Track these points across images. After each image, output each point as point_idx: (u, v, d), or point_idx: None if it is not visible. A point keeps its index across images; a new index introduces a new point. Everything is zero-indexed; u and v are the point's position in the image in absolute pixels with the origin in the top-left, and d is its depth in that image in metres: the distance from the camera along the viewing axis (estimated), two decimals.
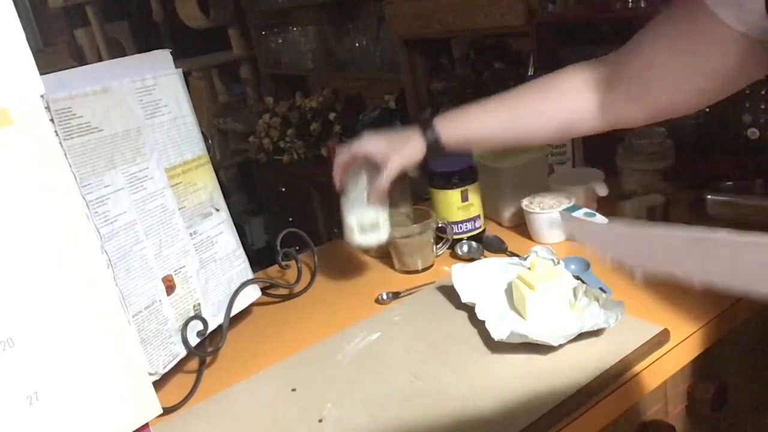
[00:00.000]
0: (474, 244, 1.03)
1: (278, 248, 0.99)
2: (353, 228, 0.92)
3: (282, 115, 2.98)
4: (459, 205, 1.03)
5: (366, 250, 1.08)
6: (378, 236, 0.93)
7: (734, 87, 0.71)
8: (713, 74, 0.68)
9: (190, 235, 0.86)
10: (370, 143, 0.89)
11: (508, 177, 1.08)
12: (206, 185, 0.90)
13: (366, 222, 0.92)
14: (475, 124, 0.86)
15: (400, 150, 0.86)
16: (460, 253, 1.02)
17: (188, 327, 0.81)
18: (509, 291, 0.84)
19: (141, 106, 0.81)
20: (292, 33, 2.94)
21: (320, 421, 0.69)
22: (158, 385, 0.77)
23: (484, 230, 1.08)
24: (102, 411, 0.54)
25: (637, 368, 0.71)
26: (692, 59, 0.69)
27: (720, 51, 0.66)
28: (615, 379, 0.69)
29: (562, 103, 0.81)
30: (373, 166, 0.88)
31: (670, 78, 0.72)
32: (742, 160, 1.06)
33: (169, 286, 0.81)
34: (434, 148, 0.86)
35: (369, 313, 0.90)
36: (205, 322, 0.83)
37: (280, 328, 0.92)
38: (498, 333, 0.75)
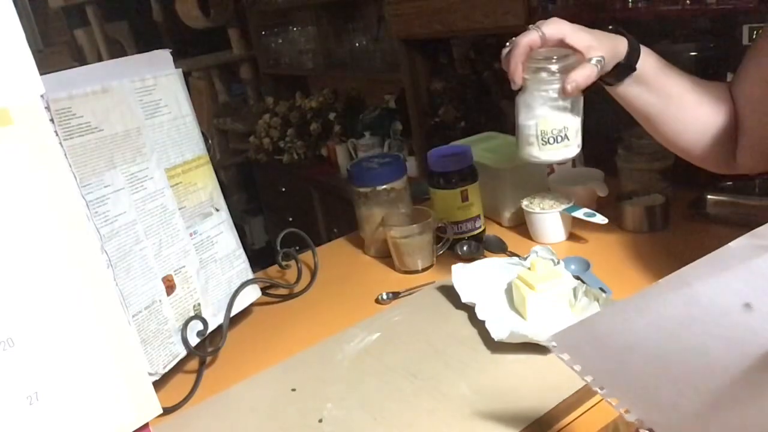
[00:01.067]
0: (474, 244, 1.03)
1: (278, 248, 0.99)
2: (533, 137, 0.74)
3: (282, 115, 2.98)
4: (459, 205, 1.03)
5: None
6: (566, 149, 0.74)
7: None
8: None
9: (190, 235, 0.86)
10: (564, 27, 0.71)
11: (508, 177, 1.08)
12: (206, 185, 0.90)
13: (552, 129, 0.73)
14: (666, 73, 0.78)
15: (603, 41, 0.73)
16: (460, 253, 1.02)
17: (188, 327, 0.81)
18: (509, 291, 0.84)
19: (141, 106, 0.81)
20: (292, 33, 2.94)
21: (320, 421, 0.69)
22: (158, 385, 0.77)
23: (484, 230, 1.08)
24: (102, 411, 0.54)
25: None
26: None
27: None
28: None
29: (702, 116, 0.80)
30: (564, 56, 0.72)
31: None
32: None
33: (169, 286, 0.81)
34: (631, 59, 0.75)
35: (369, 313, 0.90)
36: (205, 322, 0.83)
37: (280, 328, 0.92)
38: (498, 333, 0.75)
